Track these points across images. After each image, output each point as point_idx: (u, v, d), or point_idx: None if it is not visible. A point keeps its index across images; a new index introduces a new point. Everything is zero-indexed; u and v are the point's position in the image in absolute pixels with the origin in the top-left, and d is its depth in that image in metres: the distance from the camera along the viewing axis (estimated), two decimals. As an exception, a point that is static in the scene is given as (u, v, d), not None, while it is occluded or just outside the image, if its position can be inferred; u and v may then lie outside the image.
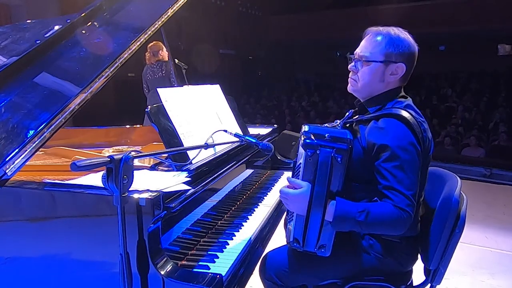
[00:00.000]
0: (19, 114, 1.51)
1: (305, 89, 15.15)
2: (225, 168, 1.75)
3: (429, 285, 1.60)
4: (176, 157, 1.58)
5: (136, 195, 1.22)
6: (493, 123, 9.39)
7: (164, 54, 4.76)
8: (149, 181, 1.35)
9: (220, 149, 1.81)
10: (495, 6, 11.51)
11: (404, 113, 1.41)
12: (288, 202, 1.44)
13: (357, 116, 1.55)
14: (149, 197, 1.22)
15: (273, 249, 1.67)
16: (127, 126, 2.78)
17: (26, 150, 1.37)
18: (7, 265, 1.41)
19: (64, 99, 1.52)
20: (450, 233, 1.49)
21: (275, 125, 2.87)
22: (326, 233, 1.39)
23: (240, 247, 1.53)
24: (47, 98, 1.57)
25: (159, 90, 1.74)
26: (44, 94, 1.60)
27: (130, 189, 1.14)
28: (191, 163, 1.57)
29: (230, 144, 1.81)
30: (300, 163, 1.43)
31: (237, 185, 2.00)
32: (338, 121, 1.57)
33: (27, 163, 1.39)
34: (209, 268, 1.36)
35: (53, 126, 1.45)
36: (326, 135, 1.38)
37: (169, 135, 1.65)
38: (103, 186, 1.11)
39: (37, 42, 1.78)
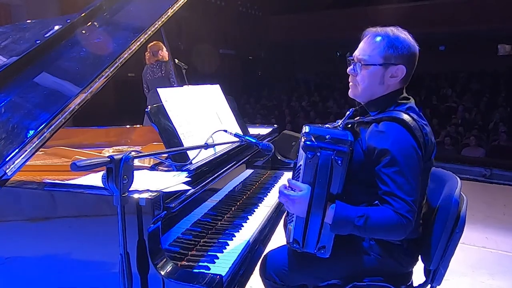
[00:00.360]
0: (19, 114, 1.51)
1: (305, 89, 15.16)
2: (225, 168, 1.75)
3: (429, 285, 1.60)
4: (176, 157, 1.58)
5: (136, 195, 1.22)
6: (493, 123, 9.40)
7: (164, 54, 4.76)
8: (149, 181, 1.35)
9: (220, 149, 1.80)
10: (495, 6, 11.52)
11: (405, 117, 1.38)
12: (288, 204, 1.43)
13: (358, 118, 1.53)
14: (149, 197, 1.22)
15: (273, 249, 1.67)
16: (127, 126, 2.78)
17: (26, 150, 1.37)
18: (7, 265, 1.41)
19: (64, 99, 1.52)
20: (450, 234, 1.48)
21: (275, 125, 2.87)
22: (325, 234, 1.39)
23: (240, 248, 1.53)
24: (47, 98, 1.57)
25: (159, 90, 1.74)
26: (44, 94, 1.60)
27: (130, 189, 1.14)
28: (191, 163, 1.57)
29: (230, 144, 1.80)
30: (301, 165, 1.42)
31: (237, 185, 2.00)
32: (340, 121, 1.55)
33: (27, 163, 1.39)
34: (209, 269, 1.36)
35: (53, 126, 1.45)
36: (327, 137, 1.37)
37: (169, 135, 1.65)
38: (103, 186, 1.11)
39: (37, 42, 1.77)
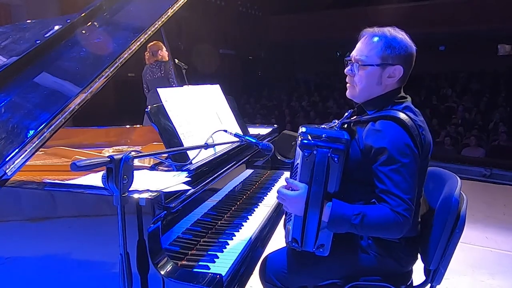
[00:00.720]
0: (19, 114, 1.51)
1: (305, 89, 15.15)
2: (225, 168, 1.75)
3: (429, 285, 1.60)
4: (176, 157, 1.58)
5: (136, 195, 1.22)
6: (493, 123, 9.39)
7: (164, 54, 4.76)
8: (149, 181, 1.35)
9: (220, 149, 1.81)
10: (495, 6, 11.51)
11: (402, 116, 1.39)
12: (286, 203, 1.45)
13: (355, 117, 1.54)
14: (149, 197, 1.22)
15: (273, 252, 1.66)
16: (127, 126, 2.77)
17: (26, 150, 1.37)
18: (7, 265, 1.41)
19: (64, 99, 1.52)
20: (450, 233, 1.49)
21: (275, 125, 2.87)
22: (324, 233, 1.40)
23: (240, 247, 1.53)
24: (47, 98, 1.57)
25: (159, 90, 1.74)
26: (44, 94, 1.60)
27: (130, 189, 1.14)
28: (191, 163, 1.57)
29: (230, 144, 1.81)
30: (298, 163, 1.43)
31: (237, 185, 2.00)
32: (336, 121, 1.56)
33: (27, 163, 1.39)
34: (209, 268, 1.36)
35: (53, 126, 1.45)
36: (323, 136, 1.38)
37: (169, 135, 1.65)
38: (103, 186, 1.11)
39: (37, 42, 1.77)
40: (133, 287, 1.14)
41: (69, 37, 1.86)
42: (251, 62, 16.80)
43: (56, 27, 1.87)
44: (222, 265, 1.40)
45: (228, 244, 1.55)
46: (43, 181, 1.42)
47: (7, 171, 1.32)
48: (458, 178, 1.57)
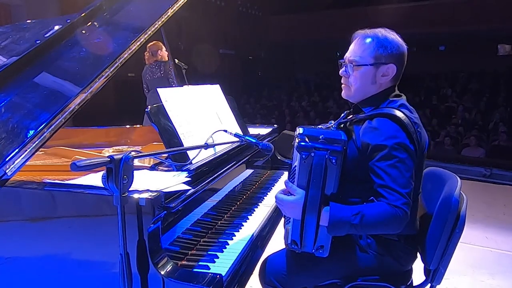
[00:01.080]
0: (19, 114, 1.51)
1: (305, 89, 15.16)
2: (225, 168, 1.75)
3: (429, 285, 1.60)
4: (176, 157, 1.58)
5: (136, 195, 1.22)
6: (493, 123, 9.40)
7: (163, 54, 4.76)
8: (149, 181, 1.35)
9: (220, 149, 1.81)
10: (495, 6, 11.51)
11: (398, 113, 1.41)
12: (284, 208, 1.45)
13: (351, 116, 1.55)
14: (149, 197, 1.22)
15: (272, 253, 1.66)
16: (127, 126, 2.78)
17: (26, 150, 1.37)
18: (7, 265, 1.41)
19: (64, 99, 1.52)
20: (450, 233, 1.49)
21: (275, 125, 2.88)
22: (323, 234, 1.40)
23: (240, 247, 1.53)
24: (47, 98, 1.57)
25: (159, 90, 1.74)
26: (44, 94, 1.60)
27: (130, 189, 1.14)
28: (191, 163, 1.57)
29: (230, 144, 1.81)
30: (295, 166, 1.43)
31: (237, 185, 2.00)
32: (333, 122, 1.57)
33: (27, 163, 1.39)
34: (209, 268, 1.36)
35: (53, 126, 1.45)
36: (320, 137, 1.38)
37: (169, 135, 1.65)
38: (103, 186, 1.11)
39: (37, 42, 1.77)
40: (133, 287, 1.14)
41: (69, 37, 1.86)
42: (251, 62, 16.80)
43: (56, 27, 1.87)
44: (222, 265, 1.40)
45: (228, 244, 1.55)
46: (43, 181, 1.42)
47: (7, 171, 1.33)
48: (458, 178, 1.57)
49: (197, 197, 1.49)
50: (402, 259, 1.55)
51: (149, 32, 1.87)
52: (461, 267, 3.07)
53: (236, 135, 1.73)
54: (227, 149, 1.85)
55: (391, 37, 1.48)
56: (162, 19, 1.95)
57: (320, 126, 1.57)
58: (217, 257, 1.45)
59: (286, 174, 2.54)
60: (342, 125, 1.55)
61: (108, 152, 2.21)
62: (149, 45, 4.72)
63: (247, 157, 2.03)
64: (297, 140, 1.40)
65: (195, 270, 1.35)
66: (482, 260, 3.33)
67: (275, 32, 15.90)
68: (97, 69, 1.63)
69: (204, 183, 1.54)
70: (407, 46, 1.52)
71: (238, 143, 1.78)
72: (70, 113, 1.50)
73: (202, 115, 1.91)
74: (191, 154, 1.61)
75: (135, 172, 1.15)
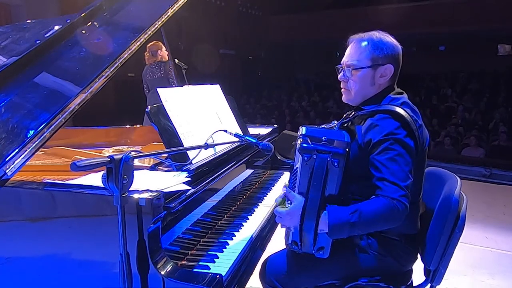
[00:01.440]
0: (19, 114, 1.51)
1: (305, 89, 15.15)
2: (225, 168, 1.75)
3: (429, 285, 1.60)
4: (176, 157, 1.58)
5: (136, 195, 1.22)
6: (493, 123, 9.40)
7: (163, 54, 4.76)
8: (149, 181, 1.35)
9: (220, 149, 1.81)
10: (495, 6, 11.52)
11: (399, 110, 1.42)
12: (282, 220, 1.45)
13: (353, 114, 1.56)
14: (149, 197, 1.22)
15: (273, 254, 1.66)
16: (127, 126, 2.78)
17: (26, 150, 1.37)
18: (7, 265, 1.41)
19: (64, 99, 1.52)
20: (450, 233, 1.49)
21: (275, 125, 2.87)
22: (323, 236, 1.39)
23: (240, 247, 1.53)
24: (47, 98, 1.57)
25: (159, 90, 1.74)
26: (44, 94, 1.60)
27: (130, 189, 1.14)
28: (191, 163, 1.57)
29: (230, 144, 1.81)
30: (297, 167, 1.43)
31: (237, 185, 2.00)
32: (336, 122, 1.57)
33: (27, 163, 1.39)
34: (209, 268, 1.36)
35: (53, 126, 1.45)
36: (323, 138, 1.39)
37: (169, 135, 1.65)
38: (103, 186, 1.11)
39: (37, 42, 1.78)
40: (133, 287, 1.15)
41: (69, 37, 1.86)
42: (251, 62, 16.80)
43: (56, 27, 1.87)
44: (222, 265, 1.40)
45: (228, 244, 1.55)
46: (43, 181, 1.42)
47: (7, 171, 1.33)
48: (458, 178, 1.57)
49: (197, 197, 1.49)
50: (403, 259, 1.55)
51: (149, 32, 1.87)
52: (461, 267, 3.07)
53: (236, 135, 1.73)
54: (227, 149, 1.85)
55: (385, 39, 1.51)
56: (162, 19, 1.95)
57: (323, 126, 1.58)
58: (217, 257, 1.45)
59: (286, 174, 2.54)
60: (345, 125, 1.56)
61: (108, 152, 2.21)
62: (149, 45, 4.72)
63: (247, 157, 2.03)
64: (299, 141, 1.40)
65: (195, 270, 1.35)
66: (482, 260, 3.33)
67: (275, 32, 15.90)
68: (97, 69, 1.63)
69: (204, 183, 1.54)
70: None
71: (238, 143, 1.78)
72: (70, 113, 1.50)
73: (202, 115, 1.91)
74: (191, 154, 1.61)
75: (135, 172, 1.15)
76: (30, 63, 1.71)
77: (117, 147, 2.40)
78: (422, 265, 1.61)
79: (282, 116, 11.96)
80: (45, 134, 1.42)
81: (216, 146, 1.71)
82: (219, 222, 1.75)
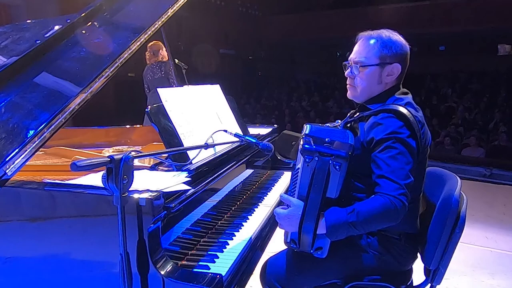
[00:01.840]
0: (19, 114, 1.51)
1: (305, 89, 15.16)
2: (225, 168, 1.75)
3: (429, 285, 1.60)
4: (176, 157, 1.58)
5: (136, 195, 1.22)
6: (493, 123, 9.39)
7: (164, 53, 4.76)
8: (149, 181, 1.35)
9: (220, 149, 1.81)
10: (495, 6, 11.53)
11: (403, 110, 1.43)
12: (281, 222, 1.46)
13: (357, 114, 1.56)
14: (149, 197, 1.22)
15: (273, 255, 1.66)
16: (127, 126, 2.77)
17: (26, 150, 1.37)
18: (8, 265, 1.41)
19: (64, 99, 1.52)
20: (450, 233, 1.49)
21: (275, 125, 2.87)
22: (321, 236, 1.39)
23: (240, 247, 1.53)
24: (47, 98, 1.57)
25: (159, 90, 1.74)
26: (44, 94, 1.59)
27: (130, 189, 1.14)
28: (191, 163, 1.57)
29: (230, 144, 1.81)
30: (299, 168, 1.43)
31: (237, 185, 2.00)
32: (339, 121, 1.57)
33: (27, 163, 1.39)
34: (209, 268, 1.36)
35: (53, 126, 1.44)
36: (326, 140, 1.38)
37: (169, 135, 1.65)
38: (103, 186, 1.11)
39: (37, 42, 1.77)
40: (133, 287, 1.14)
41: (69, 37, 1.86)
42: (251, 62, 16.81)
43: (56, 27, 1.87)
44: (222, 265, 1.40)
45: (228, 244, 1.55)
46: (43, 181, 1.41)
47: (7, 171, 1.32)
48: (458, 178, 1.57)
49: (197, 197, 1.49)
50: (402, 258, 1.55)
51: (149, 32, 1.87)
52: (461, 267, 3.07)
53: (236, 135, 1.73)
54: (227, 149, 1.85)
55: (394, 38, 1.51)
56: (162, 19, 1.95)
57: (327, 125, 1.57)
58: (217, 257, 1.45)
59: (286, 174, 2.54)
60: (348, 125, 1.56)
61: (108, 152, 2.21)
62: (149, 44, 4.72)
63: (247, 157, 2.03)
64: (301, 142, 1.39)
65: (195, 270, 1.35)
66: (482, 260, 3.33)
67: (275, 32, 15.90)
68: (97, 69, 1.63)
69: (204, 183, 1.54)
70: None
71: (238, 143, 1.78)
72: (70, 113, 1.50)
73: (202, 115, 1.91)
74: (191, 154, 1.61)
75: (135, 172, 1.15)
76: (30, 63, 1.71)
77: (117, 147, 2.40)
78: (422, 265, 1.61)
79: (282, 116, 11.96)
80: (45, 134, 1.42)
81: (216, 146, 1.71)
82: (219, 222, 1.75)
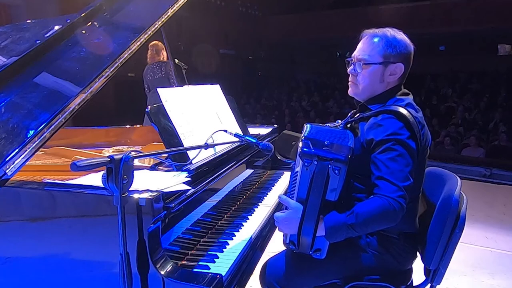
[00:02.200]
0: (19, 114, 1.51)
1: (305, 89, 15.16)
2: (225, 168, 1.75)
3: (429, 285, 1.60)
4: (176, 157, 1.58)
5: (136, 195, 1.22)
6: (493, 123, 9.39)
7: (165, 53, 4.76)
8: (149, 181, 1.35)
9: (220, 149, 1.81)
10: (495, 6, 11.52)
11: (403, 111, 1.42)
12: (280, 225, 1.46)
13: (358, 115, 1.56)
14: (149, 197, 1.22)
15: (272, 256, 1.66)
16: (127, 126, 2.77)
17: (26, 150, 1.37)
18: (8, 265, 1.41)
19: (64, 99, 1.52)
20: (450, 233, 1.49)
21: (275, 125, 2.88)
22: (320, 238, 1.39)
23: (240, 247, 1.53)
24: (47, 98, 1.57)
25: (159, 90, 1.74)
26: (44, 94, 1.59)
27: (130, 189, 1.14)
28: (191, 163, 1.57)
29: (230, 144, 1.81)
30: (297, 171, 1.41)
31: (237, 185, 2.00)
32: (340, 121, 1.57)
33: (27, 163, 1.39)
34: (209, 268, 1.36)
35: (53, 126, 1.44)
36: (326, 143, 1.37)
37: (169, 135, 1.65)
38: (103, 186, 1.11)
39: (37, 42, 1.77)
40: (133, 287, 1.14)
41: (69, 37, 1.86)
42: (251, 62, 16.82)
43: (56, 27, 1.87)
44: (222, 265, 1.40)
45: (228, 244, 1.55)
46: (43, 181, 1.42)
47: (7, 171, 1.32)
48: (458, 178, 1.57)
49: (197, 197, 1.49)
50: (402, 258, 1.55)
51: (149, 32, 1.87)
52: (461, 267, 3.07)
53: (236, 135, 1.73)
54: (227, 149, 1.85)
55: (399, 37, 1.50)
56: (162, 19, 1.95)
57: (327, 124, 1.57)
58: (217, 257, 1.45)
59: (286, 174, 2.54)
60: (349, 125, 1.56)
61: (108, 152, 2.21)
62: (152, 43, 4.72)
63: (247, 157, 2.03)
64: (300, 145, 1.38)
65: (195, 270, 1.35)
66: (482, 260, 3.33)
67: (275, 32, 15.91)
68: (97, 69, 1.63)
69: (204, 183, 1.54)
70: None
71: (238, 143, 1.78)
72: (70, 113, 1.50)
73: (202, 115, 1.91)
74: (191, 154, 1.61)
75: (135, 172, 1.15)
76: (30, 63, 1.71)
77: (117, 147, 2.40)
78: (422, 265, 1.61)
79: (282, 116, 11.96)
80: (45, 134, 1.42)
81: (216, 146, 1.71)
82: (219, 222, 1.75)
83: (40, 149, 1.48)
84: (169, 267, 1.24)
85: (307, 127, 1.44)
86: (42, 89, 1.62)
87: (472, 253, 3.42)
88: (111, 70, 1.66)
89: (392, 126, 1.40)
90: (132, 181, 1.13)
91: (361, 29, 1.55)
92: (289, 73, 17.44)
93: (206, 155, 1.69)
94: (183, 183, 1.39)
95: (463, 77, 13.51)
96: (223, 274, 1.32)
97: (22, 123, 1.46)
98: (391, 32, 1.50)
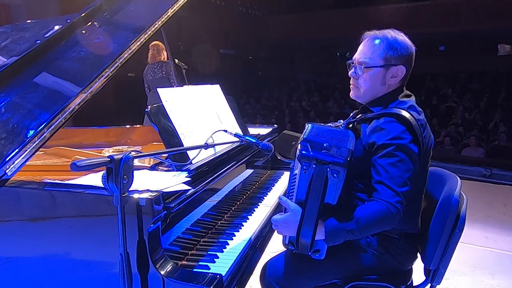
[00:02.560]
0: (19, 114, 1.51)
1: (305, 89, 15.15)
2: (225, 168, 1.75)
3: (429, 285, 1.60)
4: (176, 157, 1.58)
5: (136, 195, 1.22)
6: (493, 123, 9.39)
7: (165, 54, 4.76)
8: (149, 181, 1.35)
9: (220, 149, 1.80)
10: (495, 6, 11.52)
11: (406, 114, 1.41)
12: (278, 228, 1.45)
13: (360, 115, 1.55)
14: (149, 197, 1.22)
15: (272, 257, 1.66)
16: (127, 126, 2.77)
17: (26, 150, 1.37)
18: (8, 265, 1.41)
19: (64, 99, 1.52)
20: (450, 233, 1.49)
21: (275, 125, 2.88)
22: (319, 240, 1.39)
23: (240, 247, 1.53)
24: (47, 98, 1.57)
25: (159, 90, 1.74)
26: (44, 94, 1.60)
27: (130, 189, 1.14)
28: (191, 163, 1.57)
29: (230, 144, 1.81)
30: (296, 174, 1.40)
31: (237, 185, 2.00)
32: (342, 121, 1.57)
33: (27, 163, 1.39)
34: (209, 268, 1.36)
35: (53, 126, 1.45)
36: (325, 145, 1.35)
37: (169, 135, 1.65)
38: (103, 186, 1.11)
39: (37, 42, 1.77)
40: (133, 287, 1.15)
41: (69, 37, 1.86)
42: (251, 62, 16.81)
43: (56, 27, 1.87)
44: (222, 265, 1.40)
45: (228, 244, 1.55)
46: (43, 181, 1.42)
47: (7, 171, 1.32)
48: (458, 178, 1.57)
49: (197, 197, 1.49)
50: (402, 258, 1.55)
51: (149, 32, 1.87)
52: (461, 267, 3.07)
53: (236, 135, 1.73)
54: (227, 149, 1.85)
55: (400, 39, 1.48)
56: (162, 19, 1.95)
57: (329, 124, 1.56)
58: (217, 257, 1.45)
59: (286, 174, 2.54)
60: (351, 125, 1.55)
61: (108, 152, 2.21)
62: (154, 43, 4.73)
63: (247, 157, 2.03)
64: (299, 147, 1.36)
65: (195, 270, 1.35)
66: (482, 260, 3.33)
67: (275, 32, 15.90)
68: (97, 69, 1.63)
69: (204, 183, 1.54)
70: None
71: (238, 143, 1.78)
72: (70, 113, 1.50)
73: (202, 115, 1.91)
74: (191, 154, 1.61)
75: (135, 172, 1.15)
76: (30, 63, 1.71)
77: (117, 147, 2.40)
78: (422, 265, 1.61)
79: (282, 116, 11.96)
80: (45, 134, 1.42)
81: (216, 146, 1.71)
82: (219, 222, 1.75)
83: (40, 149, 1.48)
84: (169, 267, 1.24)
85: (307, 127, 1.44)
86: (42, 89, 1.62)
87: (472, 253, 3.42)
88: (111, 70, 1.66)
89: (394, 129, 1.39)
90: (132, 181, 1.13)
91: (361, 29, 1.54)
92: (289, 73, 17.43)
93: (206, 155, 1.69)
94: (183, 183, 1.39)
95: (463, 77, 13.50)
96: (223, 274, 1.32)
97: (22, 123, 1.46)
98: (392, 34, 1.48)
